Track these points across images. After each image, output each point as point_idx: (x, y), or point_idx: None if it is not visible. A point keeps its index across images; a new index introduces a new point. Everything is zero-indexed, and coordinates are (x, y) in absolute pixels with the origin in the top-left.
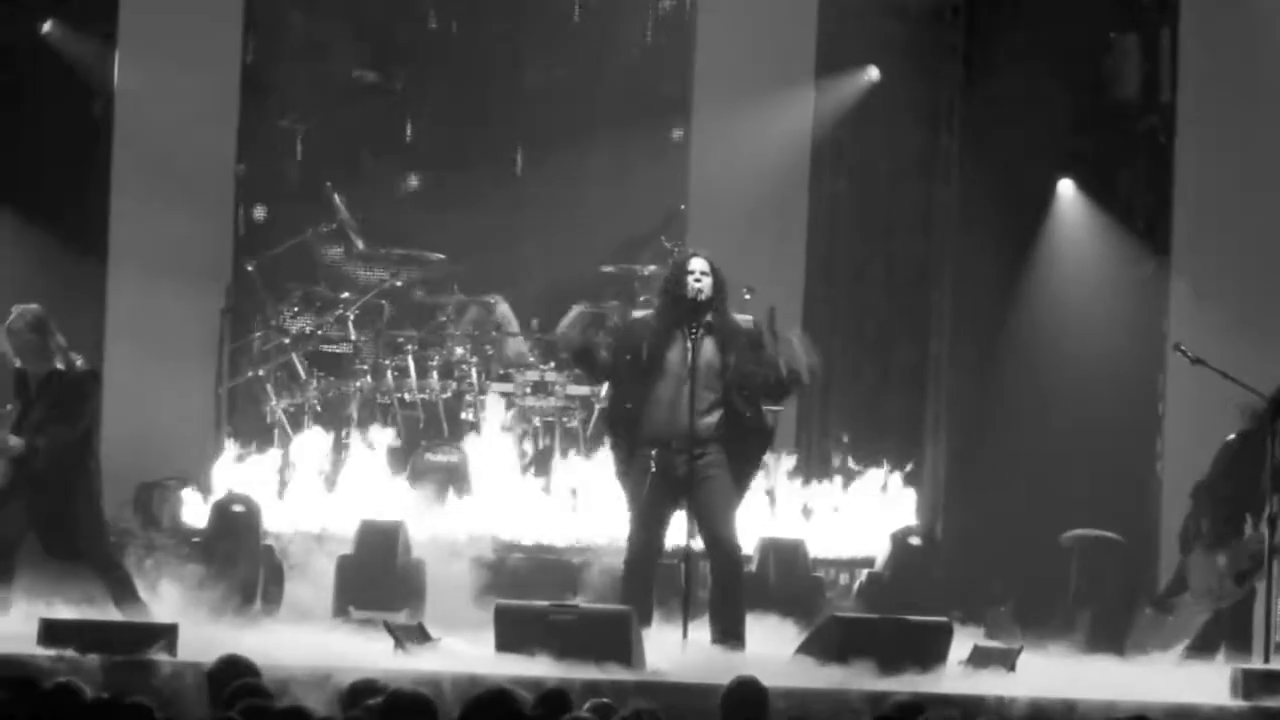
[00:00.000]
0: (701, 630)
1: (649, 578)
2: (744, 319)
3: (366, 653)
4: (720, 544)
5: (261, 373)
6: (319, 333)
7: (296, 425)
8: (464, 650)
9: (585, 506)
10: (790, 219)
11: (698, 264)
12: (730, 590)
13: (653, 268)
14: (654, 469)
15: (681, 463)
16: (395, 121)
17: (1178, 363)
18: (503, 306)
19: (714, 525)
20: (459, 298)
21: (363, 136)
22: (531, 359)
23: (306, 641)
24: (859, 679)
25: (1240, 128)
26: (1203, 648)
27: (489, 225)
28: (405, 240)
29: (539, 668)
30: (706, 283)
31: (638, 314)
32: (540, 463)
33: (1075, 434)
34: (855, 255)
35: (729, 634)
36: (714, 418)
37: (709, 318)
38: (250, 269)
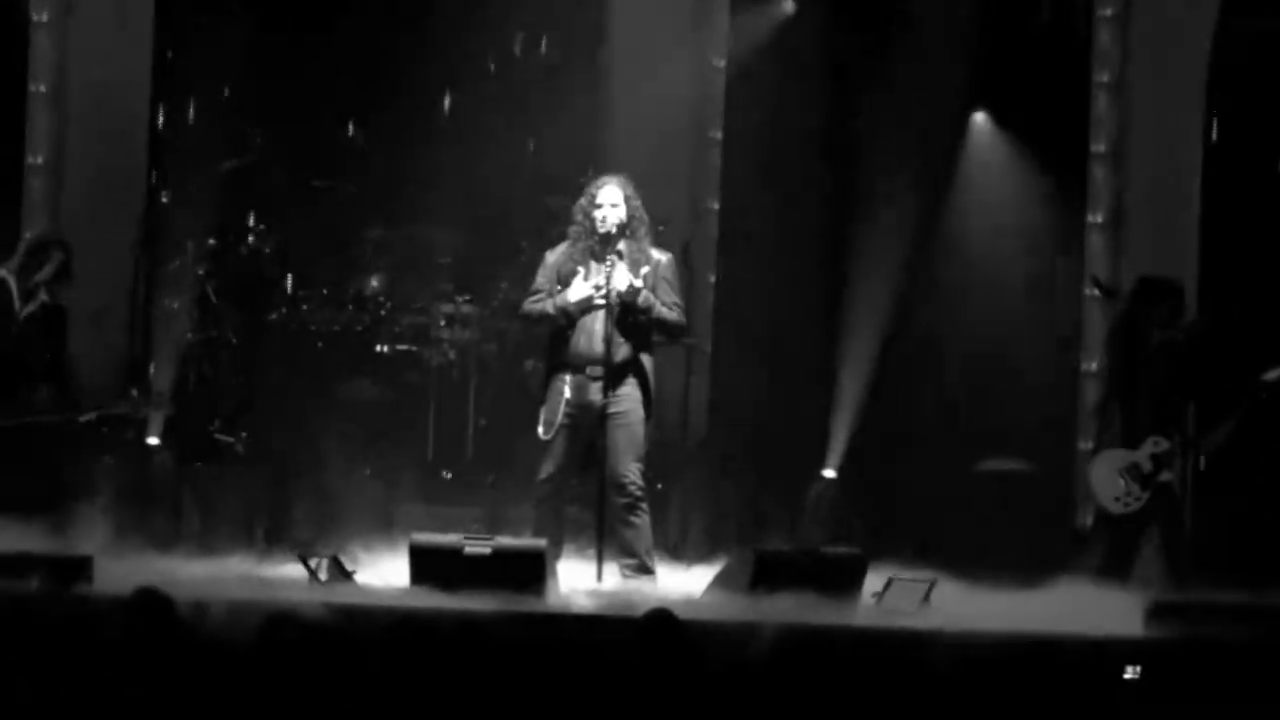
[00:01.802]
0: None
1: (560, 507)
2: (658, 252)
3: (281, 584)
4: (622, 487)
5: (176, 305)
6: (235, 266)
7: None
8: (382, 583)
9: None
10: (704, 149)
11: (607, 194)
12: (633, 524)
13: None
14: (568, 395)
15: (597, 390)
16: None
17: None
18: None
19: (615, 466)
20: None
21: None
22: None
23: (222, 572)
24: (771, 611)
25: (1156, 54)
26: (1111, 569)
27: (405, 161)
28: (324, 175)
29: (452, 601)
30: (617, 214)
31: (555, 249)
32: None
33: (992, 371)
34: (771, 188)
35: (638, 567)
36: (629, 346)
37: (620, 246)
38: (165, 200)
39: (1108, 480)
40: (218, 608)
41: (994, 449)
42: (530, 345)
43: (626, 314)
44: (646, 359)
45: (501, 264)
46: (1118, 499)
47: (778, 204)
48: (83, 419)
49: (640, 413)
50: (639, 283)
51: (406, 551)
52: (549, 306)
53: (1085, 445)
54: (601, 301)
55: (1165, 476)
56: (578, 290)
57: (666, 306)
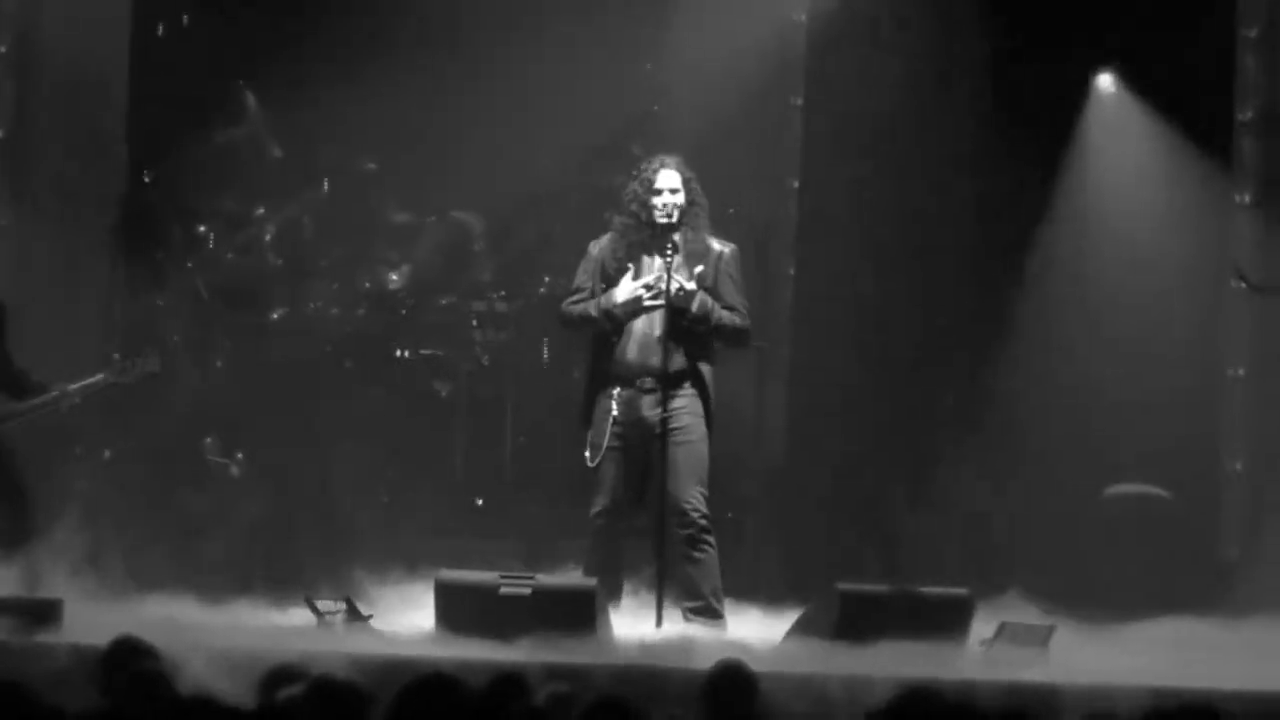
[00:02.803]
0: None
1: (617, 544)
2: (719, 243)
3: (285, 632)
4: (683, 515)
5: (160, 302)
6: (229, 256)
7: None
8: (400, 630)
9: None
10: (783, 126)
11: (666, 178)
12: (698, 560)
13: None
14: (615, 413)
15: (650, 405)
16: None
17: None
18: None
19: (676, 491)
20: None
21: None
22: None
23: (215, 619)
24: (861, 663)
25: None
26: None
27: (423, 130)
28: (330, 146)
29: (487, 650)
30: (677, 200)
31: (600, 241)
32: None
33: (1122, 379)
34: (860, 163)
35: (704, 610)
36: (684, 354)
37: (677, 237)
38: (147, 180)
39: None
40: (209, 660)
41: (1124, 471)
42: (580, 348)
43: (679, 320)
44: (706, 368)
45: (543, 253)
46: None
47: (868, 183)
48: (64, 404)
49: (702, 428)
50: (692, 285)
51: (431, 592)
52: (591, 309)
53: (1234, 465)
54: (653, 303)
55: None
56: (625, 290)
57: (729, 309)
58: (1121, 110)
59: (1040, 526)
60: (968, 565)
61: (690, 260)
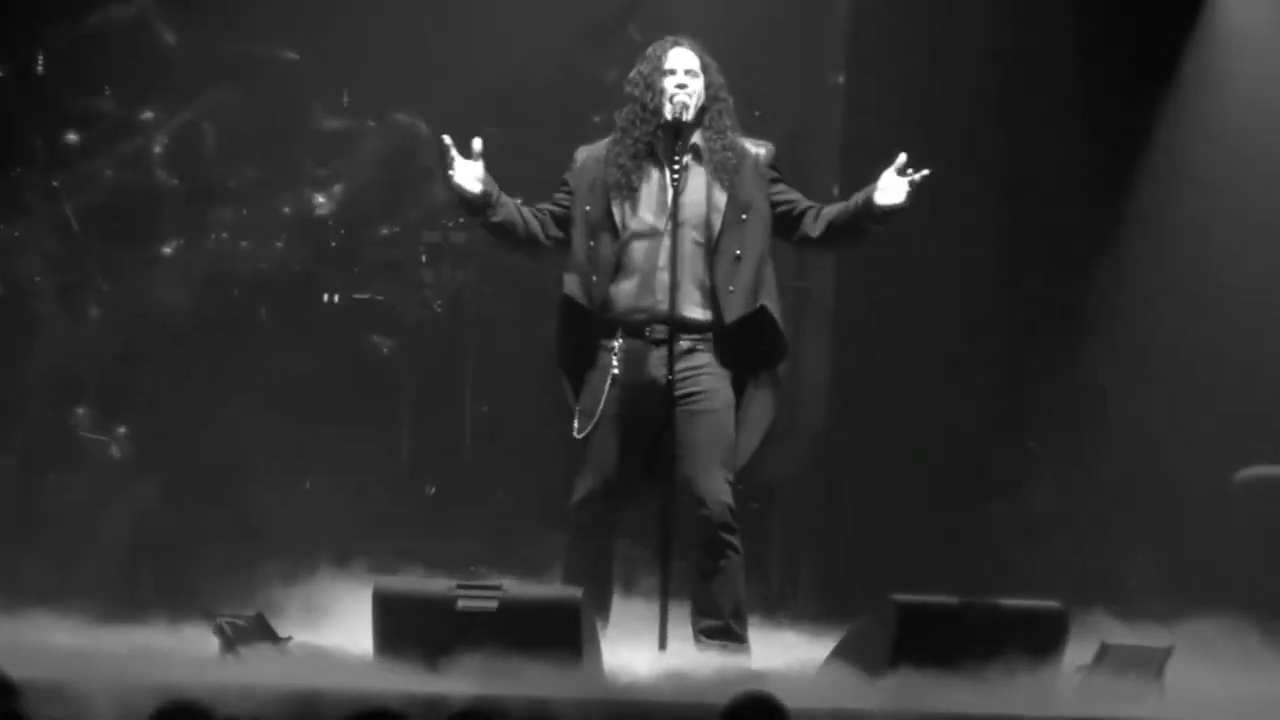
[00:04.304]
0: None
1: (607, 543)
2: (754, 143)
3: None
4: (702, 507)
5: (16, 233)
6: (107, 173)
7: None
8: (327, 654)
9: None
10: (823, 6)
11: (681, 58)
12: (719, 567)
13: (615, 73)
14: (617, 370)
15: (659, 361)
16: None
17: None
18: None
19: (695, 474)
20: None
21: None
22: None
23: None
24: (927, 695)
25: None
26: None
27: (358, 9)
28: (238, 30)
29: (441, 681)
30: (695, 87)
31: (592, 147)
32: None
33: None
34: (917, 62)
35: (721, 630)
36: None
37: (696, 139)
38: (2, 74)
39: None
40: (86, 693)
41: (1256, 452)
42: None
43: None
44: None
45: (513, 167)
46: None
47: (931, 81)
48: None
49: (729, 394)
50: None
51: (369, 606)
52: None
53: None
54: (663, 226)
55: None
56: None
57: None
58: (1249, 16)
59: (1152, 521)
60: (1059, 572)
61: (719, 173)
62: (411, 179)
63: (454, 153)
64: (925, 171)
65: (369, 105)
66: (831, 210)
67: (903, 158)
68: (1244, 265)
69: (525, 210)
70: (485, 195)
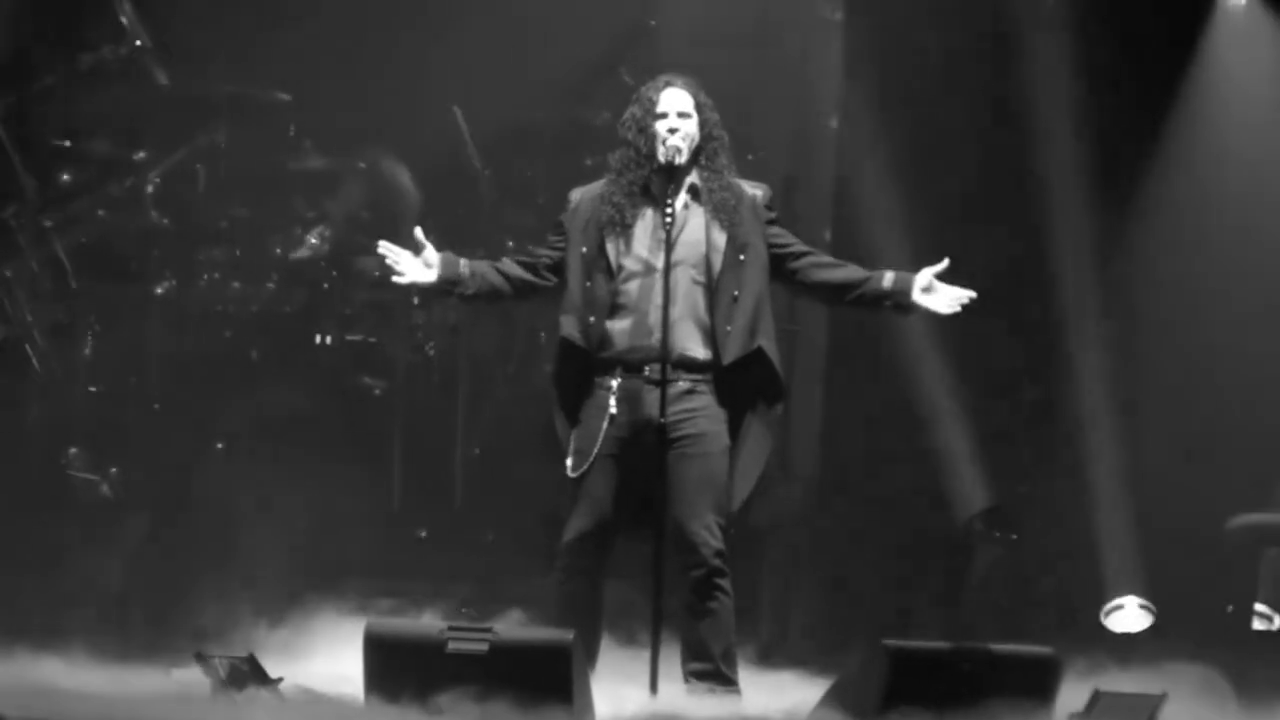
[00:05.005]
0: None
1: (597, 583)
2: (750, 185)
3: (171, 699)
4: (694, 551)
5: (8, 272)
6: (99, 213)
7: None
8: (318, 696)
9: None
10: (816, 47)
11: (673, 100)
12: (709, 610)
13: (607, 115)
14: (614, 410)
15: (656, 401)
16: None
17: None
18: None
19: (686, 518)
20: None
21: None
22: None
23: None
24: None
25: None
26: None
27: (350, 53)
28: (231, 72)
29: None
30: (688, 129)
31: (588, 188)
32: None
33: (1251, 380)
34: (915, 104)
35: (711, 673)
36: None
37: (693, 178)
38: None
39: None
40: None
41: (1255, 497)
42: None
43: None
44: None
45: (510, 210)
46: None
47: (927, 120)
48: None
49: (724, 438)
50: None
51: (360, 648)
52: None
53: None
54: (659, 264)
55: None
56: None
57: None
58: (1255, 28)
59: (1148, 566)
60: (1053, 616)
61: (718, 213)
62: (401, 220)
63: (393, 256)
64: (973, 294)
65: (358, 147)
66: (840, 272)
67: (946, 263)
68: (1236, 312)
69: (507, 264)
70: (445, 280)
